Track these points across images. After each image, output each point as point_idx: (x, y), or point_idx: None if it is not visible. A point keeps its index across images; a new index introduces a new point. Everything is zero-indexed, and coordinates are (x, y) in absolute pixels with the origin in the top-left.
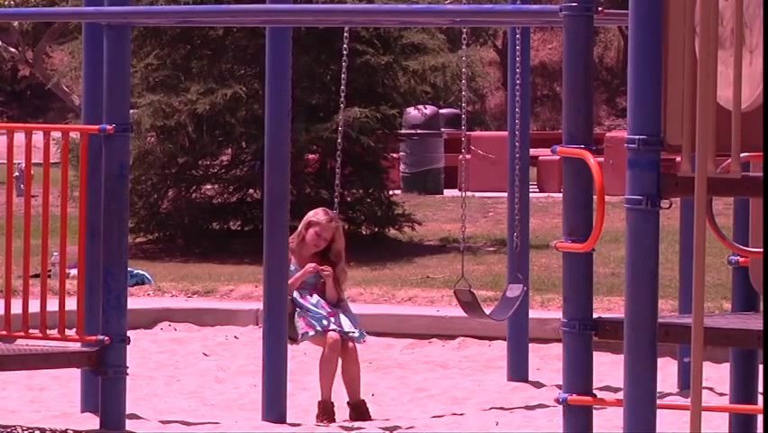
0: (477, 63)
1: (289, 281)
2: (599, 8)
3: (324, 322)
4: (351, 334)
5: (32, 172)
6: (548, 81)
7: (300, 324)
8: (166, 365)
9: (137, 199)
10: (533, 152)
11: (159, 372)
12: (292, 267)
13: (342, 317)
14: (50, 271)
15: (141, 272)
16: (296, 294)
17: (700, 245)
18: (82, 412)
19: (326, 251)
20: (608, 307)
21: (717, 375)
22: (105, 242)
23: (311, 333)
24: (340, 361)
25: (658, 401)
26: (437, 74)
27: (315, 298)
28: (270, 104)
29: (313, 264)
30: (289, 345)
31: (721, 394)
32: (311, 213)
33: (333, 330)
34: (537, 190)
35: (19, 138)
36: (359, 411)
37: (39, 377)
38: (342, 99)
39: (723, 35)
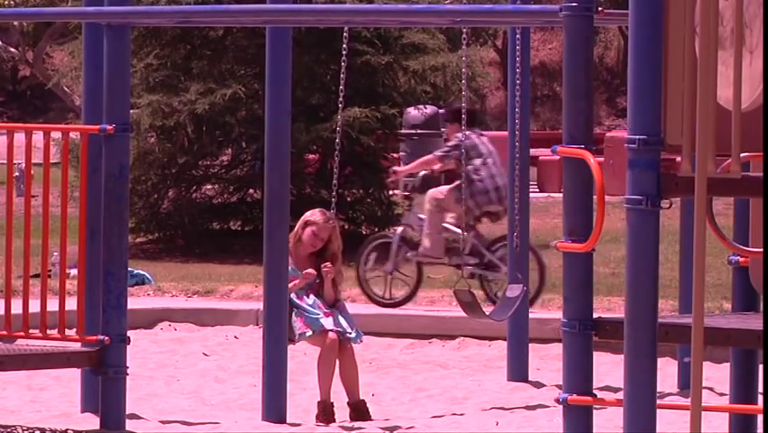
0: (477, 63)
1: (288, 285)
2: (599, 8)
3: (321, 322)
4: (347, 334)
5: (32, 172)
6: (548, 81)
7: (297, 324)
8: (166, 365)
9: (137, 199)
10: (533, 152)
11: (159, 372)
12: (289, 268)
13: (340, 318)
14: (50, 271)
15: (141, 272)
16: (292, 294)
17: (700, 245)
18: (82, 412)
19: (323, 251)
20: (608, 307)
21: (717, 375)
22: (105, 242)
23: (308, 333)
24: (338, 362)
25: (658, 401)
26: (437, 74)
27: (312, 298)
28: (270, 104)
29: (310, 270)
30: (291, 345)
31: (721, 394)
32: (308, 213)
33: (331, 330)
34: (537, 190)
35: (19, 138)
36: (359, 411)
37: (39, 377)
38: (341, 99)
39: (723, 35)
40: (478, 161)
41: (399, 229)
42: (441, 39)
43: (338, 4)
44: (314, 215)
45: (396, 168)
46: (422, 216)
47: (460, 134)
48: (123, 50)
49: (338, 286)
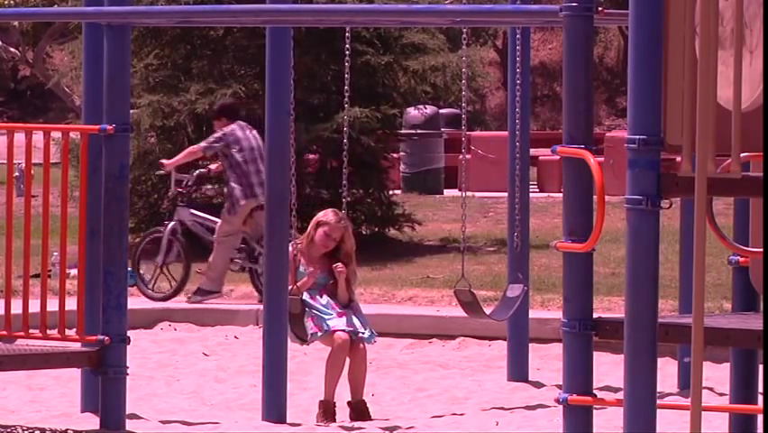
0: (477, 63)
1: (298, 284)
2: (599, 8)
3: (334, 322)
4: (360, 334)
5: (32, 172)
6: (548, 81)
7: (309, 324)
8: (166, 365)
9: (137, 199)
10: (533, 152)
11: (159, 372)
12: (302, 268)
13: (353, 318)
14: (50, 271)
15: (142, 273)
16: (306, 295)
17: (700, 245)
18: (82, 412)
19: (336, 252)
20: (608, 307)
21: (717, 375)
22: (105, 242)
23: (320, 333)
24: (348, 360)
25: (658, 401)
26: (437, 74)
27: (325, 298)
28: (270, 104)
29: (313, 269)
30: (291, 345)
31: (721, 394)
32: (320, 213)
33: (342, 330)
34: (537, 190)
35: (19, 138)
36: (359, 411)
37: (39, 377)
38: (346, 100)
39: (723, 35)
40: (239, 156)
41: (171, 224)
42: (441, 39)
43: (338, 4)
44: (326, 215)
45: (163, 160)
46: (194, 211)
47: (226, 128)
48: (123, 50)
49: (352, 286)
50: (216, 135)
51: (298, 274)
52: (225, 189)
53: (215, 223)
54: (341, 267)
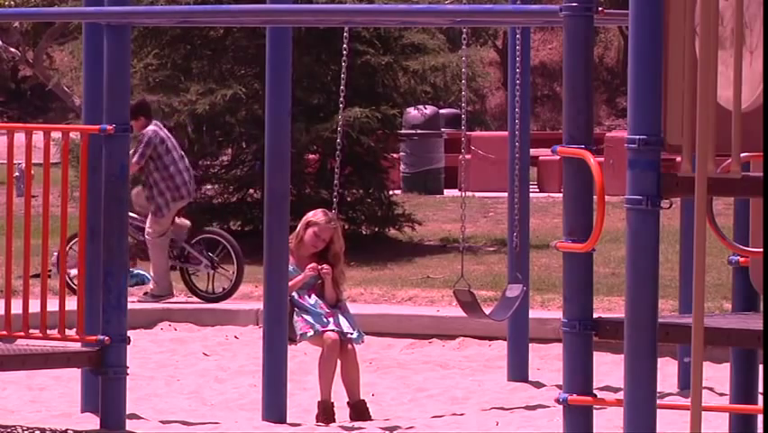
0: (477, 63)
1: (289, 283)
2: (599, 8)
3: (323, 322)
4: (349, 335)
5: (32, 172)
6: (548, 81)
7: (299, 324)
8: (166, 365)
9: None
10: (533, 152)
11: (159, 372)
12: (291, 267)
13: (341, 318)
14: (50, 271)
15: (142, 272)
16: (294, 294)
17: (700, 245)
18: (82, 412)
19: (325, 252)
20: (608, 307)
21: (717, 375)
22: (104, 242)
23: (309, 333)
24: (339, 362)
25: (658, 401)
26: (437, 74)
27: (314, 298)
28: (270, 104)
29: (312, 265)
30: (289, 345)
31: (721, 394)
32: (310, 213)
33: (332, 330)
34: (537, 190)
35: (19, 138)
36: (359, 411)
37: (39, 377)
38: (341, 99)
39: (723, 35)
40: (168, 158)
41: None
42: (441, 39)
43: (338, 4)
44: (316, 215)
45: None
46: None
47: (148, 131)
48: (123, 50)
49: (340, 286)
50: (145, 141)
51: (288, 274)
52: (149, 191)
53: (144, 222)
54: (326, 268)
